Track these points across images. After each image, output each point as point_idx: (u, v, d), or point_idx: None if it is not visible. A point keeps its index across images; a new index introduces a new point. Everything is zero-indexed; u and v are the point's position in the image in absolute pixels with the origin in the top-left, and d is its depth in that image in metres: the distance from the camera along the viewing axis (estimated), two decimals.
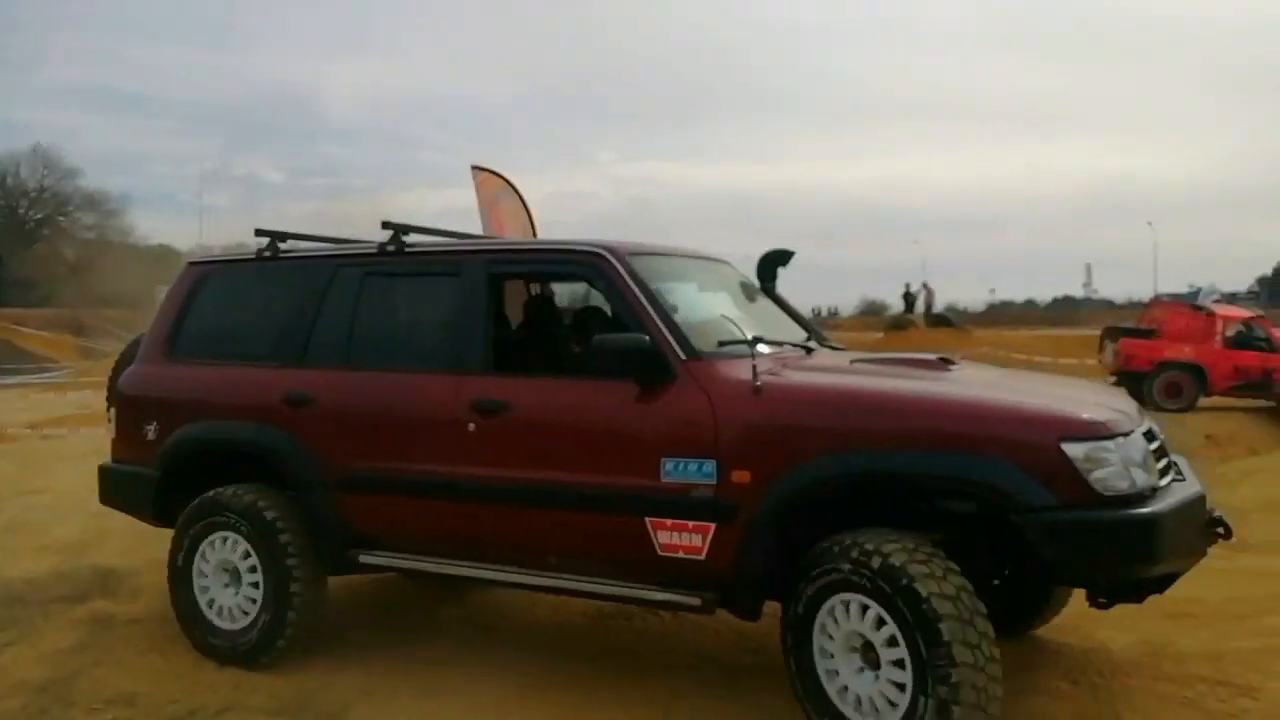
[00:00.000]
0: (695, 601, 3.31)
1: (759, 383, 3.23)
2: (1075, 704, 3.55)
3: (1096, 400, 3.31)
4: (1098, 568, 3.06)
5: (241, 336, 4.36)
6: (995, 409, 3.10)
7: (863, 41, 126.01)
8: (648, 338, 3.37)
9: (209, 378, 4.30)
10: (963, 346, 23.21)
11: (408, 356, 3.98)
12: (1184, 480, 3.29)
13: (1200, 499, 3.19)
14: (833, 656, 3.06)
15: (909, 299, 30.04)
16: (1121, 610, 4.62)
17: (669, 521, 3.28)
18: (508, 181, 8.78)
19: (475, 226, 8.82)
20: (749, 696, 3.57)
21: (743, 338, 3.42)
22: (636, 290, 3.53)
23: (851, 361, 3.73)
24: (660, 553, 3.31)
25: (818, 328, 4.38)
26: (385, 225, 4.05)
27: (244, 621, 3.98)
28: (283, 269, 4.38)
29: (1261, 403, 14.13)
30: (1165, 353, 13.93)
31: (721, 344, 3.45)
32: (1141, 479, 2.94)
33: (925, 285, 30.02)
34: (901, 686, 2.90)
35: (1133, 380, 13.97)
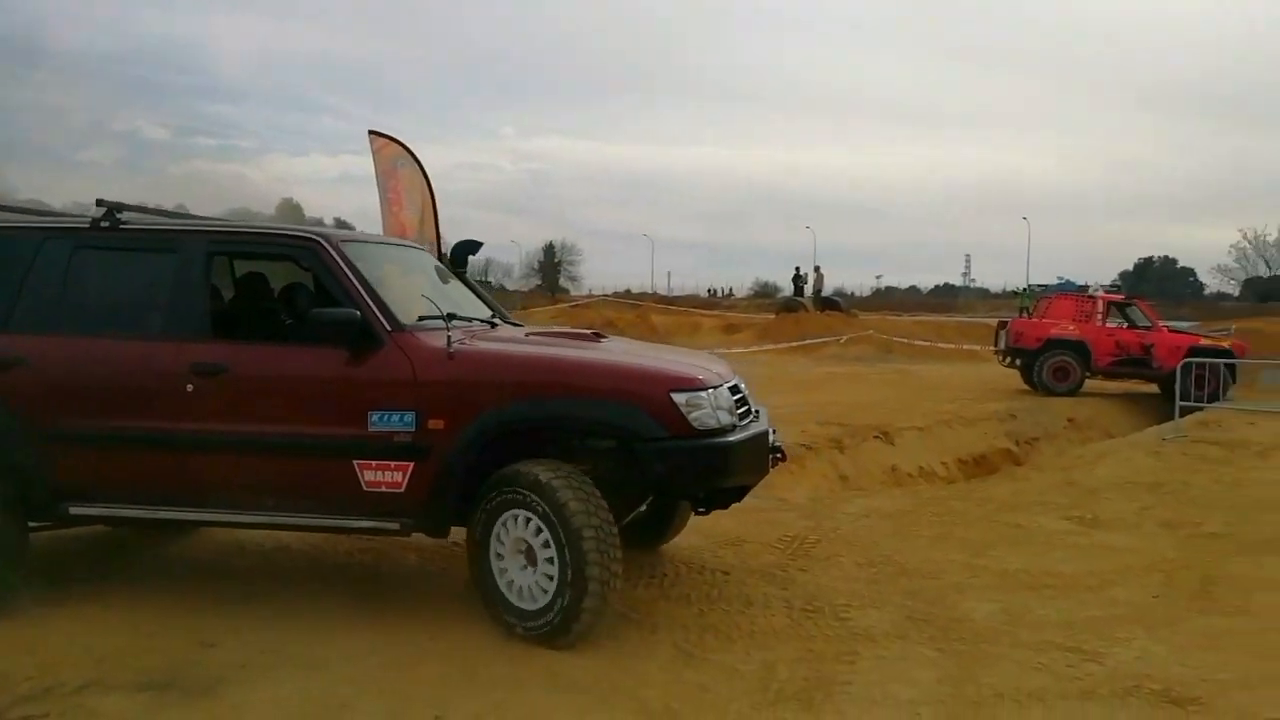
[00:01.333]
0: (394, 526, 4.00)
1: (452, 350, 3.91)
2: (939, 669, 3.75)
3: (698, 364, 4.28)
4: (692, 480, 4.05)
5: None
6: (626, 369, 4.05)
7: (763, 32, 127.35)
8: (358, 312, 3.95)
9: None
10: (849, 329, 24.00)
11: (126, 323, 4.22)
12: (759, 423, 4.31)
13: (764, 434, 4.25)
14: (504, 559, 3.88)
15: (799, 282, 30.67)
16: (986, 582, 4.94)
17: (374, 463, 3.92)
18: (406, 148, 8.54)
19: (373, 193, 8.58)
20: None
21: (439, 313, 4.06)
22: (348, 272, 4.09)
23: (526, 334, 4.58)
24: (366, 489, 3.94)
25: (500, 306, 5.18)
26: (99, 203, 4.32)
27: None
28: None
29: (1136, 389, 15.00)
30: (1051, 330, 14.71)
31: (422, 319, 4.11)
32: (725, 419, 3.96)
33: (816, 269, 30.65)
34: (551, 578, 3.74)
35: (1025, 361, 14.77)
